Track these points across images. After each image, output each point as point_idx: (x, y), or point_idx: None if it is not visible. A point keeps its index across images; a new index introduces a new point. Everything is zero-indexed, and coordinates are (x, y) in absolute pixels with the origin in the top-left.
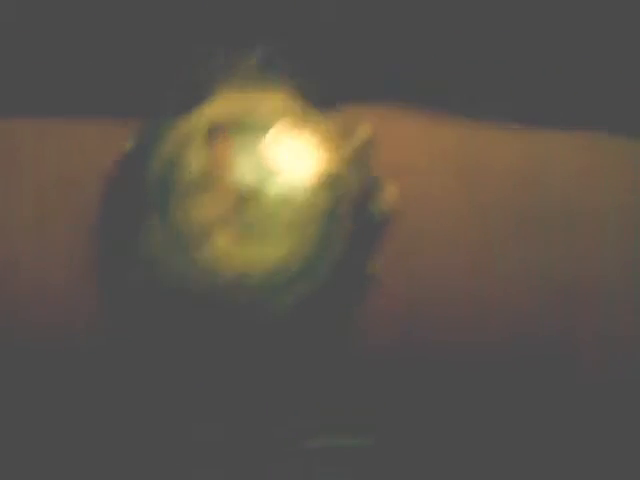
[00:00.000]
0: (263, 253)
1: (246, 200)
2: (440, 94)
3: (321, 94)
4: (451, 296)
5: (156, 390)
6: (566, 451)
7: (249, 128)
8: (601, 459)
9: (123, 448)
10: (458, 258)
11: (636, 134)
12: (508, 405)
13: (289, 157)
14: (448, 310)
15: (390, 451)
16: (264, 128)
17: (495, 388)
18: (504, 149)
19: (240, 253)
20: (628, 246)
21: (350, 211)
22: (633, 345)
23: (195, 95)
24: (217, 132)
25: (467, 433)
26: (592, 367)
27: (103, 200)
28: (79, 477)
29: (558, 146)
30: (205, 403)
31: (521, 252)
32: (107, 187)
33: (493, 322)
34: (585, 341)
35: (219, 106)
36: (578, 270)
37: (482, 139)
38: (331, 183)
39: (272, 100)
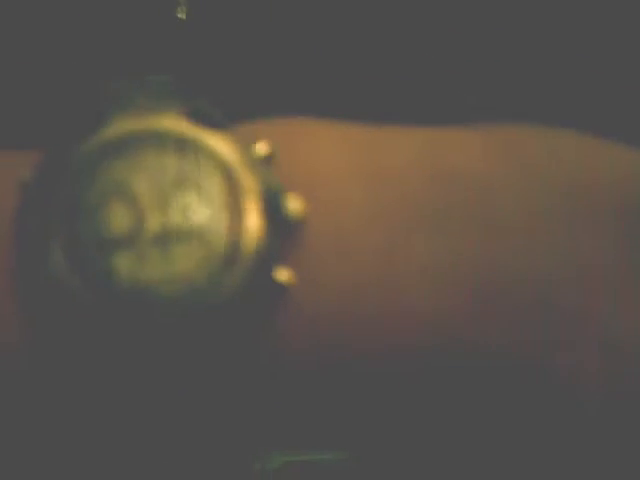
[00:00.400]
0: (167, 269)
1: (147, 217)
2: (338, 105)
3: (216, 116)
4: (359, 301)
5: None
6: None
7: (148, 146)
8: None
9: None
10: (365, 261)
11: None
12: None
13: (188, 173)
14: (357, 316)
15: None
16: (162, 146)
17: (416, 397)
18: (404, 148)
19: (143, 270)
20: (536, 242)
21: (255, 222)
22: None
23: (93, 121)
24: (116, 152)
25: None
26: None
27: (9, 228)
28: None
29: (459, 139)
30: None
31: (428, 248)
32: (12, 215)
33: (406, 325)
34: (496, 342)
35: (117, 128)
36: (486, 266)
37: (383, 141)
38: (234, 193)
39: (169, 121)
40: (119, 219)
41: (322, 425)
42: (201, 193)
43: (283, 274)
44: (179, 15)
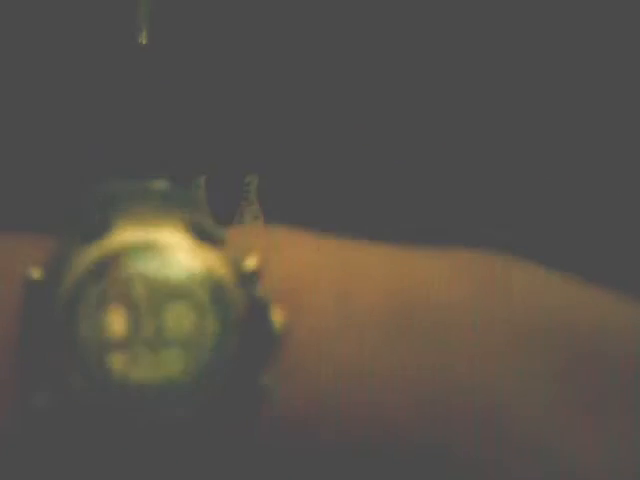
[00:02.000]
0: (156, 372)
1: (143, 321)
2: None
3: (213, 230)
4: (339, 407)
5: None
6: None
7: (147, 258)
8: None
9: None
10: (337, 369)
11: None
12: None
13: (182, 285)
14: (335, 421)
15: None
16: (160, 258)
17: None
18: (375, 267)
19: (135, 371)
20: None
21: (241, 329)
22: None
23: (96, 226)
24: (118, 260)
25: None
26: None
27: (14, 325)
28: None
29: (425, 267)
30: None
31: (393, 361)
32: (17, 312)
33: (375, 432)
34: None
35: (119, 237)
36: (448, 380)
37: (359, 259)
38: (222, 305)
39: (168, 234)
40: (117, 322)
41: None
42: (192, 304)
43: (267, 380)
44: (140, 40)
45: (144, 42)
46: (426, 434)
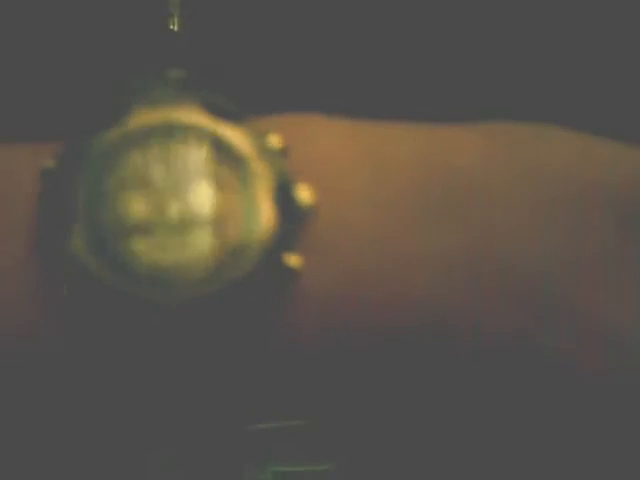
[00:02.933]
0: (183, 255)
1: (166, 205)
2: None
3: (231, 109)
4: (363, 285)
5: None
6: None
7: (166, 138)
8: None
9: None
10: (369, 248)
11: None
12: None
13: (205, 164)
14: (361, 299)
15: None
16: (180, 137)
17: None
18: (407, 143)
19: (161, 255)
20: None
21: (266, 207)
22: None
23: (114, 112)
24: (136, 142)
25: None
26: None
27: (33, 214)
28: None
29: (461, 136)
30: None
31: (426, 239)
32: (35, 201)
33: (405, 309)
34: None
35: (137, 120)
36: (480, 258)
37: (388, 136)
38: (246, 182)
39: (186, 113)
40: (138, 206)
41: (324, 405)
42: (217, 183)
43: (293, 260)
44: (171, 27)
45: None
46: (458, 313)
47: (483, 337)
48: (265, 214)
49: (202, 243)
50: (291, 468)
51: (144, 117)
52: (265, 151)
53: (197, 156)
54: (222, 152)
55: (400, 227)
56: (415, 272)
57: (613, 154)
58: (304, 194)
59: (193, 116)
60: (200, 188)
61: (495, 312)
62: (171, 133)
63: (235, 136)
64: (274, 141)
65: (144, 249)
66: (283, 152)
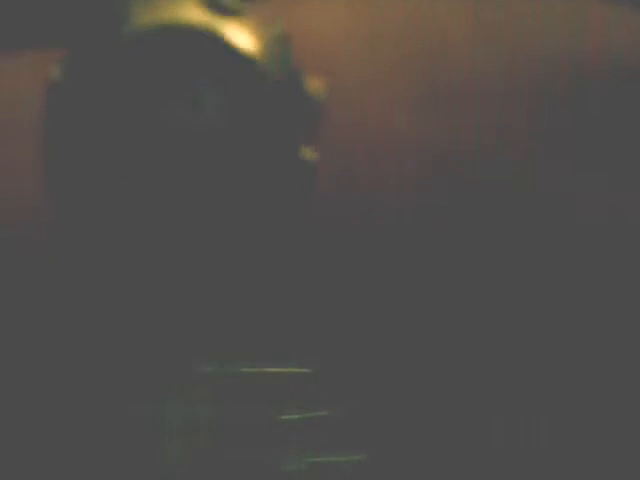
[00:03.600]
0: None
1: (175, 103)
2: None
3: (227, 3)
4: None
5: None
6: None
7: (170, 40)
8: None
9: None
10: (372, 126)
11: None
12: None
13: (207, 60)
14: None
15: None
16: (184, 38)
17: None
18: (401, 17)
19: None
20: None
21: (277, 102)
22: None
23: (111, 13)
24: (139, 48)
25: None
26: None
27: (44, 121)
28: None
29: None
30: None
31: (426, 124)
32: (44, 111)
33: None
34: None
35: (137, 21)
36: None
37: (381, 9)
38: (253, 76)
39: (187, 10)
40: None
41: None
42: (223, 82)
43: (309, 152)
44: None
45: None
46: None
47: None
48: (277, 109)
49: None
50: (326, 458)
51: (144, 18)
52: (270, 43)
53: (202, 57)
54: (224, 48)
55: (398, 111)
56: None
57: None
58: (313, 85)
59: (194, 14)
60: (204, 91)
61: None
62: (174, 36)
63: (237, 30)
64: (277, 30)
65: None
66: (287, 41)
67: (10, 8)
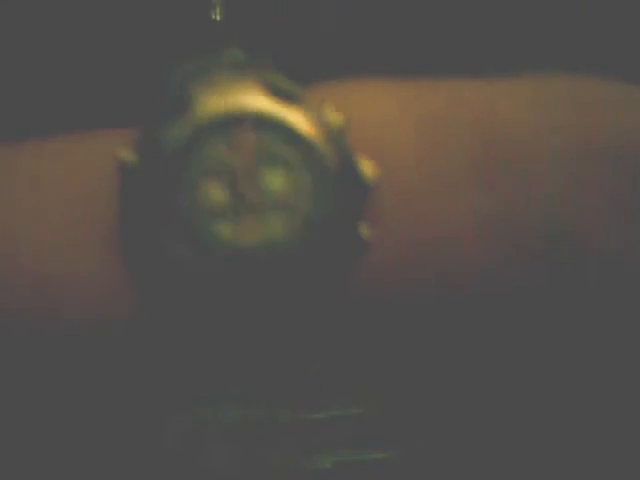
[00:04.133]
0: (263, 235)
1: (243, 190)
2: (397, 62)
3: (291, 89)
4: (425, 250)
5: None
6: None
7: (234, 125)
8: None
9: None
10: (426, 206)
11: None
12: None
13: (273, 147)
14: (424, 261)
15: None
16: (247, 123)
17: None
18: (451, 103)
19: (242, 236)
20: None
21: (334, 184)
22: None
23: (179, 100)
24: (207, 132)
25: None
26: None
27: (118, 204)
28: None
29: (508, 94)
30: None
31: (479, 198)
32: (116, 192)
33: (460, 268)
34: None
35: (203, 108)
36: (532, 213)
37: (440, 94)
38: (314, 162)
39: (250, 97)
40: (217, 192)
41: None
42: (287, 165)
43: (364, 230)
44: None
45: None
46: (503, 272)
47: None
48: (333, 191)
49: (279, 224)
50: (351, 457)
51: (210, 105)
52: (327, 129)
53: (265, 140)
54: (287, 134)
55: (454, 190)
56: (470, 236)
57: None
58: (367, 167)
59: (257, 101)
60: (271, 171)
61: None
62: (239, 120)
63: (299, 118)
64: (334, 117)
65: (226, 233)
66: (342, 127)
67: (80, 88)
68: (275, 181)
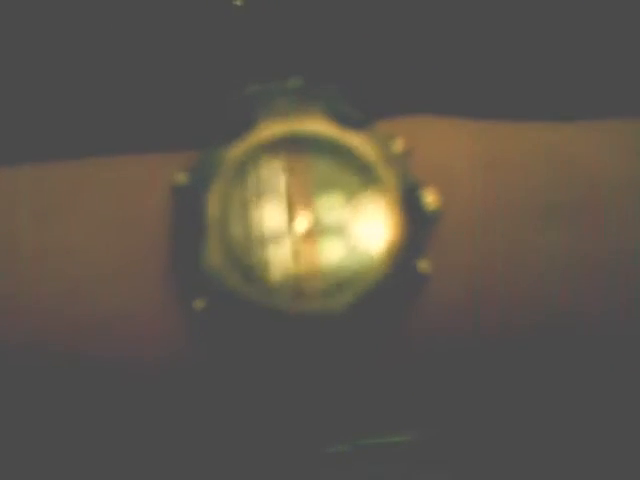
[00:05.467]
0: (316, 263)
1: (297, 215)
2: (461, 102)
3: (355, 116)
4: (490, 288)
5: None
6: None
7: (294, 149)
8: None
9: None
10: (494, 249)
11: None
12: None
13: (333, 173)
14: (488, 301)
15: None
16: (308, 148)
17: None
18: (526, 143)
19: (295, 264)
20: None
21: (394, 212)
22: None
23: (241, 125)
24: (266, 154)
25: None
26: None
27: (167, 229)
28: None
29: (579, 136)
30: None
31: (551, 239)
32: (169, 217)
33: (532, 310)
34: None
35: (265, 131)
36: (607, 251)
37: (506, 136)
38: (374, 188)
39: (312, 123)
40: (270, 217)
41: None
42: (345, 191)
43: (423, 265)
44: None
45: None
46: (581, 314)
47: (607, 335)
48: (393, 220)
49: (333, 252)
50: (371, 440)
51: (271, 129)
52: (390, 157)
53: (324, 165)
54: (348, 160)
55: (522, 228)
56: (541, 275)
57: None
58: (430, 198)
59: (318, 125)
60: (329, 197)
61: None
62: (298, 143)
63: (360, 143)
64: (398, 146)
65: (277, 259)
66: (407, 156)
67: (134, 111)
68: (331, 207)
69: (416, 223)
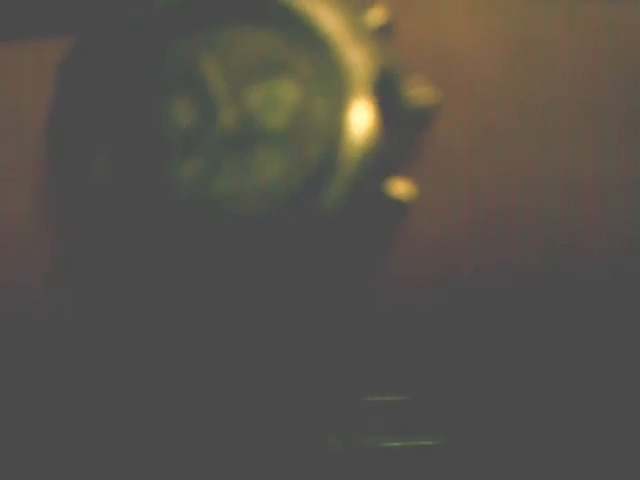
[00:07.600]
0: (244, 181)
1: (220, 113)
2: None
3: None
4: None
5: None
6: None
7: (224, 17)
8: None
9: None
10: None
11: None
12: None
13: (278, 51)
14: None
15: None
16: (243, 16)
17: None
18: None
19: (214, 181)
20: None
21: (364, 116)
22: None
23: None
24: (181, 24)
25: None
26: None
27: (50, 125)
28: None
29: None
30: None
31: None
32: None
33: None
34: None
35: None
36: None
37: (531, 15)
38: (336, 80)
39: None
40: (183, 116)
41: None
42: (292, 79)
43: (400, 187)
44: None
45: None
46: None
47: None
48: (360, 122)
49: (269, 165)
50: (393, 443)
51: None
52: (362, 33)
53: (267, 42)
54: (299, 33)
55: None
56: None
57: None
58: (417, 91)
59: None
60: (268, 88)
61: None
62: (230, 11)
63: (322, 12)
64: (375, 17)
65: (190, 174)
66: (386, 32)
67: None
68: (270, 103)
69: (393, 127)
